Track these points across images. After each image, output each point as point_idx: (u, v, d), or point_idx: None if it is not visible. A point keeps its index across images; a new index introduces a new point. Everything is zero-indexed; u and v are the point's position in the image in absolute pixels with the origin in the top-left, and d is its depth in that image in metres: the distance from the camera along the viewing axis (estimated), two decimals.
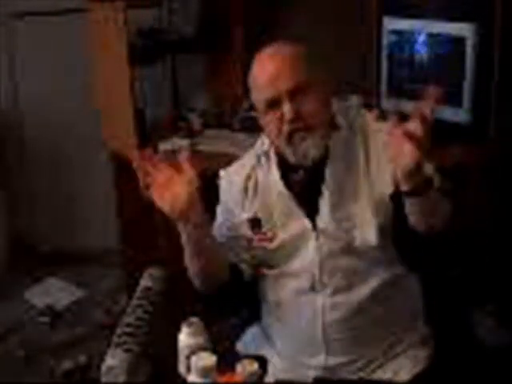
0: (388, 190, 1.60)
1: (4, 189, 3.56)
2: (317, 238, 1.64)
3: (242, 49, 3.13)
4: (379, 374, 1.66)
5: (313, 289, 1.65)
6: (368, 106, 3.00)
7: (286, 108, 1.59)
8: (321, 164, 1.64)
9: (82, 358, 2.85)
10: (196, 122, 3.01)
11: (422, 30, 2.70)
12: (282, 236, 1.67)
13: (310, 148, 1.62)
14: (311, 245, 1.64)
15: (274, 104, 1.61)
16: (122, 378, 1.45)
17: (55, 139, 3.54)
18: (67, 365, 2.83)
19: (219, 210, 1.78)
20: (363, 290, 1.63)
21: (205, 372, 1.42)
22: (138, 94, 2.84)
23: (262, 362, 1.51)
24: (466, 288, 1.73)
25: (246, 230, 1.70)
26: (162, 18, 3.14)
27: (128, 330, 1.55)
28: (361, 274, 1.63)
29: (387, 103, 2.87)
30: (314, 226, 1.64)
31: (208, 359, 1.43)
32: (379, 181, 1.62)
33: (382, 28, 2.82)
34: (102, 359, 1.49)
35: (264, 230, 1.68)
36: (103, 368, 1.46)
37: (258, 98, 1.65)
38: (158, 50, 3.06)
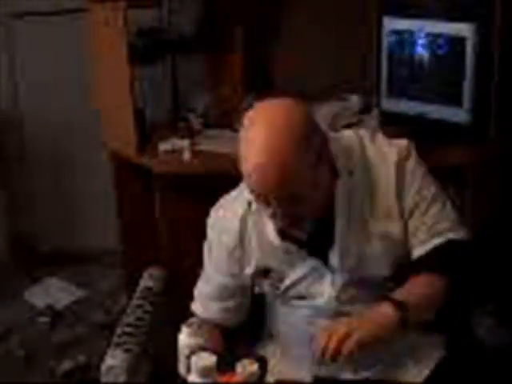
0: (397, 227, 1.57)
1: (4, 189, 3.56)
2: (330, 274, 1.59)
3: (242, 49, 3.13)
4: (403, 371, 1.66)
5: (331, 317, 1.60)
6: (368, 107, 3.01)
7: (276, 211, 1.47)
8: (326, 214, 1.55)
9: (82, 358, 2.85)
10: (196, 122, 3.01)
11: (422, 29, 2.70)
12: (293, 277, 1.61)
13: (303, 231, 1.54)
14: (326, 281, 1.59)
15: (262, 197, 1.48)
16: (122, 378, 1.45)
17: (55, 139, 3.53)
18: (67, 365, 2.83)
19: (214, 254, 1.68)
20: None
21: (205, 372, 1.42)
22: (138, 93, 2.84)
23: (262, 362, 1.51)
24: (465, 288, 1.72)
25: (254, 279, 1.65)
26: (162, 18, 3.13)
27: (128, 329, 1.56)
28: (377, 299, 1.56)
29: (387, 103, 2.87)
30: (326, 263, 1.58)
31: (208, 359, 1.43)
32: (388, 217, 1.57)
33: (381, 28, 2.82)
34: (101, 359, 1.49)
35: (273, 275, 1.62)
36: (103, 368, 1.47)
37: (244, 179, 1.49)
38: (158, 49, 3.06)
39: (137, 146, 2.82)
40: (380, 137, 1.63)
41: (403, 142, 1.62)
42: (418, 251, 1.58)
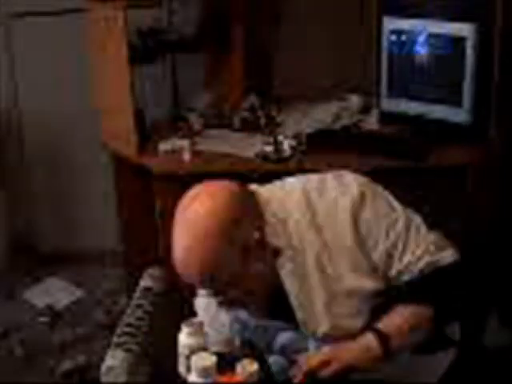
0: (369, 281, 1.51)
1: (4, 189, 3.56)
2: (310, 339, 1.57)
3: (242, 49, 3.13)
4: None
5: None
6: (368, 107, 3.01)
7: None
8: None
9: (82, 358, 2.86)
10: (196, 122, 3.01)
11: (422, 30, 2.70)
12: (278, 345, 1.61)
13: (252, 312, 1.56)
14: (309, 344, 1.58)
15: None
16: (122, 378, 1.45)
17: (55, 139, 3.54)
18: (67, 365, 2.83)
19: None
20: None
21: (205, 372, 1.42)
22: (138, 93, 2.84)
23: (262, 362, 1.51)
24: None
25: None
26: (162, 18, 3.14)
27: (128, 329, 1.55)
28: None
29: (387, 103, 2.87)
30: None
31: (208, 359, 1.43)
32: (355, 272, 1.50)
33: (382, 28, 2.82)
34: (102, 359, 1.49)
35: (259, 347, 1.63)
36: (103, 368, 1.46)
37: None
38: (158, 50, 3.06)
39: (137, 146, 2.82)
40: (329, 186, 1.55)
41: (354, 189, 1.53)
42: (404, 278, 1.53)
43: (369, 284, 1.51)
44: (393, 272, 1.52)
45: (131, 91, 2.76)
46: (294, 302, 1.53)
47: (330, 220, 1.51)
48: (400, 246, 1.51)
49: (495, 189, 2.69)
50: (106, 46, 2.79)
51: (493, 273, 2.57)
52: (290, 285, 1.52)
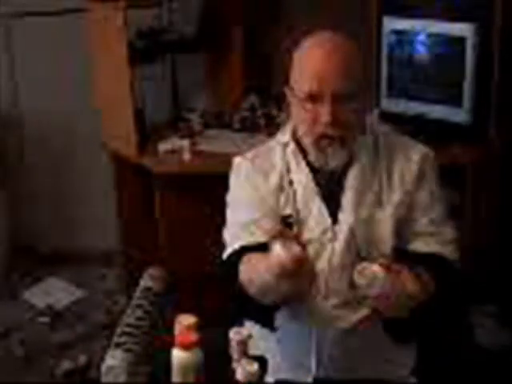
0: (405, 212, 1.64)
1: (4, 189, 3.56)
2: (333, 245, 1.62)
3: (242, 49, 3.13)
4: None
5: (315, 297, 1.62)
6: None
7: (326, 111, 1.56)
8: (345, 167, 1.64)
9: (82, 358, 2.85)
10: (196, 122, 3.01)
11: (422, 30, 2.71)
12: (307, 235, 1.64)
13: (334, 157, 1.61)
14: (325, 253, 1.62)
15: (314, 98, 1.57)
16: (122, 378, 1.45)
17: (55, 139, 3.53)
18: (67, 365, 2.83)
19: (241, 200, 1.71)
20: (362, 312, 1.61)
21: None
22: (137, 93, 2.84)
23: (262, 361, 1.50)
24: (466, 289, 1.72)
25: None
26: (162, 18, 3.14)
27: (128, 329, 1.56)
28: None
29: (387, 103, 2.87)
30: (335, 223, 1.63)
31: (191, 318, 1.44)
32: (401, 199, 1.64)
33: (382, 28, 2.82)
34: (102, 359, 1.49)
35: (292, 221, 1.66)
36: (103, 368, 1.47)
37: (299, 85, 1.61)
38: (158, 49, 3.06)
39: (137, 146, 2.82)
40: (398, 138, 1.74)
41: (422, 148, 1.72)
42: (418, 247, 1.64)
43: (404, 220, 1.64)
44: (418, 224, 1.65)
45: (131, 91, 2.76)
46: (350, 184, 1.64)
47: (402, 151, 1.68)
48: (431, 213, 1.66)
49: (495, 189, 2.69)
50: (106, 46, 2.79)
51: (493, 273, 2.57)
52: (358, 161, 1.64)
